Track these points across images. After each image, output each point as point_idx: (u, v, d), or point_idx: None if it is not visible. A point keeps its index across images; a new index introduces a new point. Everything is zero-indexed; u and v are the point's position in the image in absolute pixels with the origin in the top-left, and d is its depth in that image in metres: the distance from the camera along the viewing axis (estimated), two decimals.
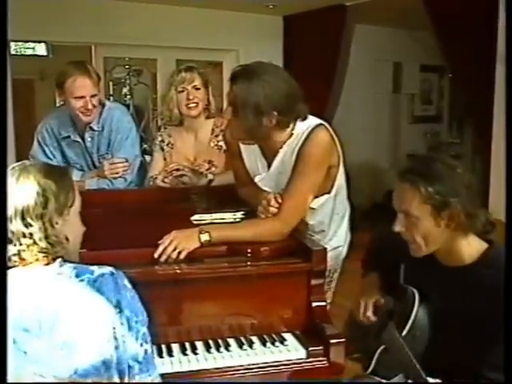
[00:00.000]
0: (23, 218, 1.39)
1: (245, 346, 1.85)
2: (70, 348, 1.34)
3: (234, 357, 1.81)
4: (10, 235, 1.39)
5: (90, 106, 2.71)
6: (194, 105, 2.80)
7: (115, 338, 1.39)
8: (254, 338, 1.89)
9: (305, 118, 2.13)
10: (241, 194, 2.37)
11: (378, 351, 1.88)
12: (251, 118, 2.01)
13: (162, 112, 2.92)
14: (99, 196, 2.50)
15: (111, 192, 2.68)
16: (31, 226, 1.39)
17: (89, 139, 2.84)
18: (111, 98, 5.90)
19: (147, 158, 3.19)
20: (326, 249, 1.97)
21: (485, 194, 3.86)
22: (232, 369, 1.79)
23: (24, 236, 1.39)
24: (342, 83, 5.91)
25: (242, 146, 2.29)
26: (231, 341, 1.88)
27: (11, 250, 1.39)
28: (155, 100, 6.03)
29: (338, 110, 5.99)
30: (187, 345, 1.85)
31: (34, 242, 1.40)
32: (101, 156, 2.86)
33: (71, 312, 1.36)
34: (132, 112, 5.94)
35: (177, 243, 1.92)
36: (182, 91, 2.79)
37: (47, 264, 1.43)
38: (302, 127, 2.11)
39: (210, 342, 1.87)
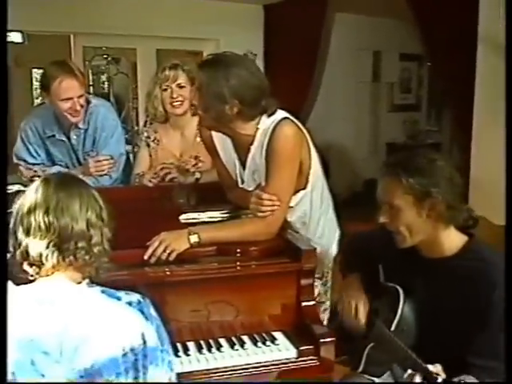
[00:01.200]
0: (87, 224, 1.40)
1: (236, 346, 1.87)
2: (90, 376, 1.32)
3: (226, 357, 1.82)
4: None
5: (77, 107, 2.68)
6: (178, 103, 2.78)
7: (136, 369, 1.37)
8: (245, 338, 1.91)
9: (273, 113, 2.13)
10: (231, 199, 2.37)
11: (367, 349, 1.90)
12: (213, 103, 2.04)
13: (147, 109, 2.89)
14: None
15: (98, 190, 2.65)
16: (91, 229, 1.40)
17: (74, 137, 2.82)
18: (91, 88, 5.83)
19: (128, 147, 3.18)
20: (315, 249, 1.99)
21: (465, 185, 3.91)
22: (224, 370, 1.80)
23: (84, 238, 1.39)
24: (322, 72, 5.92)
25: (216, 144, 2.30)
26: (222, 341, 1.89)
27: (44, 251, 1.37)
28: (135, 90, 5.98)
29: (318, 99, 6.01)
30: (179, 346, 1.85)
31: (90, 246, 1.40)
32: (86, 153, 2.83)
33: (94, 340, 1.33)
34: (112, 102, 5.91)
35: (166, 244, 1.92)
36: (166, 89, 2.77)
37: (75, 282, 1.41)
38: (268, 122, 2.11)
39: (202, 342, 1.88)
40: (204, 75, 2.07)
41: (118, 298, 1.42)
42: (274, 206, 2.06)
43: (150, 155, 2.88)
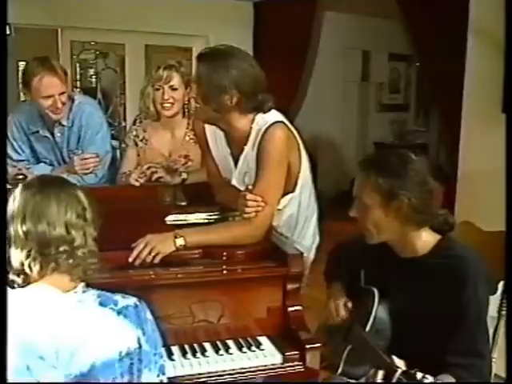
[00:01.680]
0: (66, 227, 1.36)
1: (221, 351, 1.84)
2: (87, 380, 1.31)
3: (211, 362, 1.80)
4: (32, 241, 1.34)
5: (59, 105, 2.63)
6: (168, 105, 2.72)
7: (131, 373, 1.36)
8: (230, 343, 1.88)
9: (268, 111, 2.13)
10: (219, 200, 2.34)
11: (346, 351, 1.90)
12: (213, 94, 2.04)
13: (139, 106, 2.83)
14: None
15: (82, 189, 2.60)
16: (72, 231, 1.37)
17: (58, 134, 2.77)
18: (78, 82, 5.76)
19: (114, 143, 3.13)
20: (302, 253, 1.97)
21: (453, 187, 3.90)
22: (208, 375, 1.77)
23: (64, 242, 1.35)
24: (311, 71, 5.90)
25: (209, 139, 2.28)
26: (207, 345, 1.87)
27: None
28: (123, 85, 5.92)
29: (307, 98, 5.99)
30: (163, 350, 1.81)
31: (73, 249, 1.36)
32: (71, 151, 2.79)
33: (91, 344, 1.31)
34: (99, 97, 5.85)
35: (151, 247, 1.89)
36: (158, 89, 2.72)
37: (69, 289, 1.38)
38: (262, 123, 2.10)
39: (186, 346, 1.85)
40: (204, 66, 2.06)
41: (115, 303, 1.40)
42: (258, 206, 2.03)
43: (138, 154, 2.83)
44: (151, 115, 2.77)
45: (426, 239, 1.83)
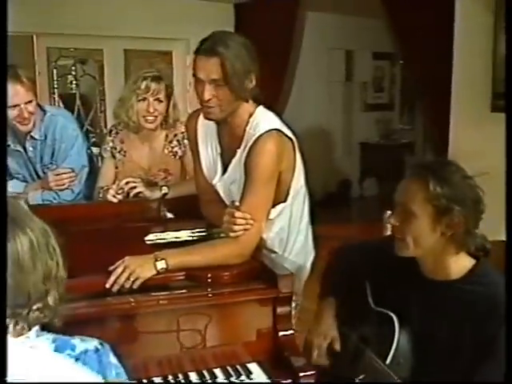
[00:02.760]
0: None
1: (208, 381, 1.69)
2: None
3: None
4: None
5: (25, 115, 2.46)
6: (152, 118, 2.57)
7: None
8: (218, 371, 1.74)
9: (259, 103, 2.00)
10: (206, 214, 2.19)
11: (357, 381, 1.74)
12: (240, 76, 1.87)
13: (117, 115, 2.65)
14: (42, 213, 2.25)
15: (56, 208, 2.46)
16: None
17: (30, 149, 2.61)
18: (56, 90, 5.58)
19: (95, 150, 2.98)
20: (292, 274, 1.83)
21: None
22: None
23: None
24: (294, 71, 5.78)
25: (200, 143, 2.14)
26: (193, 375, 1.72)
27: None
28: (103, 91, 5.75)
29: (290, 99, 5.87)
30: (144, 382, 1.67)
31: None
32: (45, 166, 2.62)
33: None
34: (79, 104, 5.68)
35: (130, 271, 1.74)
36: (143, 100, 2.56)
37: (20, 333, 1.20)
38: (256, 128, 1.95)
39: (170, 377, 1.70)
40: (221, 55, 1.85)
41: (72, 347, 1.22)
42: (247, 224, 1.89)
43: (116, 167, 2.68)
44: (132, 127, 2.61)
45: (461, 262, 1.66)
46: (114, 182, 2.60)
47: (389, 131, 7.37)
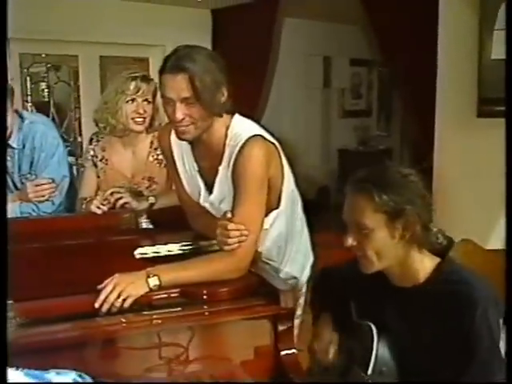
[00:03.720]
0: None
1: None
2: None
3: None
4: None
5: None
6: (141, 119, 2.46)
7: None
8: None
9: (233, 114, 1.90)
10: (194, 227, 2.08)
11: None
12: (211, 91, 1.76)
13: (102, 120, 2.52)
14: (22, 226, 2.11)
15: (36, 221, 2.30)
16: None
17: (8, 158, 2.45)
18: (29, 97, 5.40)
19: (70, 159, 2.84)
20: (293, 287, 1.73)
21: None
22: None
23: None
24: (272, 78, 5.71)
25: (176, 159, 2.02)
26: None
27: None
28: (78, 99, 5.59)
29: (269, 106, 5.79)
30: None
31: None
32: (23, 176, 2.47)
33: None
34: (53, 111, 5.51)
35: (121, 289, 1.61)
36: (131, 102, 2.45)
37: None
38: (236, 138, 1.84)
39: None
40: (193, 64, 1.73)
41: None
42: (241, 236, 1.78)
43: (98, 176, 2.54)
44: (118, 131, 2.48)
45: (427, 263, 1.63)
46: (96, 192, 2.47)
47: (367, 138, 7.32)
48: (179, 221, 2.12)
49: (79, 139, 5.56)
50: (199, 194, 1.98)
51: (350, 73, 7.22)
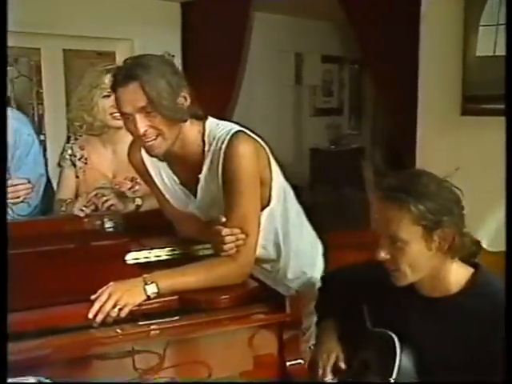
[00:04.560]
0: None
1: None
2: None
3: None
4: None
5: None
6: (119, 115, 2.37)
7: None
8: None
9: (200, 118, 1.83)
10: (181, 231, 2.00)
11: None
12: (170, 96, 1.68)
13: (77, 118, 2.42)
14: None
15: (13, 224, 2.18)
16: None
17: None
18: None
19: None
20: (298, 293, 1.68)
21: None
22: None
23: None
24: (243, 75, 5.64)
25: (153, 175, 1.95)
26: None
27: None
28: (40, 94, 5.41)
29: (239, 104, 5.72)
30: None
31: None
32: None
33: None
34: (13, 107, 5.32)
35: (117, 298, 1.53)
36: (108, 96, 2.33)
37: None
38: (217, 141, 1.78)
39: None
40: (145, 71, 1.66)
41: None
42: (238, 240, 1.72)
43: (77, 176, 2.45)
44: (97, 128, 2.39)
45: (460, 273, 1.58)
46: (76, 193, 2.37)
47: (338, 136, 7.33)
48: (161, 224, 2.05)
49: (41, 137, 5.39)
50: (185, 204, 1.91)
51: (322, 70, 7.20)
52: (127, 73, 1.66)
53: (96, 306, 1.51)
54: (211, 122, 1.84)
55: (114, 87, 1.70)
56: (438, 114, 3.74)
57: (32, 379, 1.06)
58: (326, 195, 6.74)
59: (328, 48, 6.61)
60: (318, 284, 2.01)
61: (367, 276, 1.71)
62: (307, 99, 7.23)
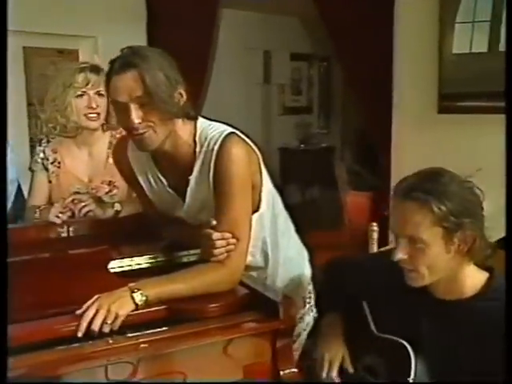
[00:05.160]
0: None
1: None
2: None
3: None
4: None
5: None
6: (95, 115, 2.33)
7: None
8: None
9: (191, 118, 1.81)
10: (166, 236, 1.96)
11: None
12: (168, 89, 1.66)
13: (51, 119, 2.37)
14: None
15: None
16: None
17: None
18: None
19: None
20: (292, 299, 1.64)
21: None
22: None
23: None
24: (211, 73, 5.61)
25: (139, 176, 1.90)
26: None
27: None
28: None
29: (207, 103, 5.68)
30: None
31: None
32: None
33: None
34: None
35: (105, 311, 1.48)
36: (82, 96, 2.31)
37: None
38: (209, 147, 1.75)
39: None
40: (144, 60, 1.64)
41: None
42: (229, 245, 1.69)
43: (50, 181, 2.38)
44: (70, 130, 2.34)
45: (475, 277, 1.57)
46: (49, 199, 2.31)
47: (308, 135, 7.34)
48: (142, 230, 2.01)
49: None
50: (173, 207, 1.88)
51: (290, 68, 7.21)
52: (125, 60, 1.63)
53: (84, 323, 1.46)
54: (202, 122, 1.82)
55: (110, 75, 1.67)
56: (414, 112, 3.78)
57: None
58: (296, 195, 6.76)
59: (297, 45, 6.61)
60: (309, 289, 2.00)
61: (372, 271, 1.69)
62: (276, 98, 7.23)
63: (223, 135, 1.74)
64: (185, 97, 1.72)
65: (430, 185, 1.50)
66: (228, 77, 6.26)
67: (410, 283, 1.57)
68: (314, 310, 2.04)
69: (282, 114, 7.28)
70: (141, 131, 1.67)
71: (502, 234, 1.76)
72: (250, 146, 1.83)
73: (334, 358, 1.72)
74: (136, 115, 1.64)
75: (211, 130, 1.78)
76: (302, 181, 6.76)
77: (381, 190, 4.02)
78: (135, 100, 1.63)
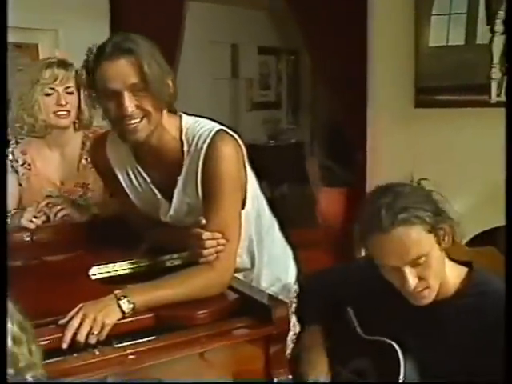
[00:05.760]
0: None
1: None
2: None
3: None
4: None
5: None
6: (65, 113, 2.27)
7: None
8: None
9: (174, 112, 1.81)
10: (150, 239, 1.92)
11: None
12: (161, 78, 1.66)
13: (17, 118, 2.30)
14: None
15: None
16: None
17: None
18: None
19: None
20: (286, 303, 1.63)
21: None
22: None
23: None
24: (177, 67, 5.55)
25: (119, 174, 1.86)
26: None
27: None
28: None
29: None
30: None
31: None
32: None
33: None
34: None
35: (92, 320, 1.43)
36: (51, 94, 2.25)
37: None
38: (198, 146, 1.72)
39: None
40: (139, 46, 1.63)
41: None
42: (218, 246, 1.66)
43: (20, 184, 2.32)
44: (39, 129, 2.27)
45: (454, 272, 1.58)
46: (19, 203, 2.24)
47: (276, 131, 7.31)
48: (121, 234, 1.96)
49: None
50: (157, 209, 1.84)
51: (258, 62, 7.17)
52: (118, 46, 1.60)
53: (68, 334, 1.41)
54: (188, 119, 1.80)
55: (99, 60, 1.62)
56: (390, 106, 3.79)
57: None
58: (267, 193, 6.73)
59: (264, 39, 6.58)
60: (294, 289, 1.98)
61: (353, 278, 1.69)
62: (244, 93, 7.18)
63: (212, 133, 1.72)
64: (172, 88, 1.72)
65: (402, 200, 1.47)
66: (195, 71, 6.19)
67: (419, 303, 1.54)
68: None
69: (250, 110, 7.23)
70: (134, 120, 1.64)
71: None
72: (238, 142, 1.80)
73: (320, 374, 1.71)
74: (130, 103, 1.61)
75: (198, 127, 1.76)
76: (272, 178, 6.74)
77: (356, 187, 4.02)
78: (129, 87, 1.60)
